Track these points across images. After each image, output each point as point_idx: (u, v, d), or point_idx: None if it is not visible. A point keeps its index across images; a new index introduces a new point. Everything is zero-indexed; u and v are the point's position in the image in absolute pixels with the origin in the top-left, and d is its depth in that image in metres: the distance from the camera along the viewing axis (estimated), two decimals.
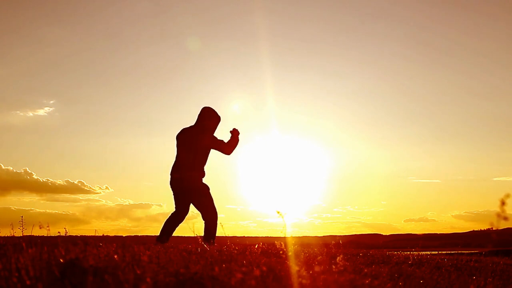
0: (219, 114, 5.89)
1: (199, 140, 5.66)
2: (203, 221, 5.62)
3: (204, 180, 5.75)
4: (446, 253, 8.20)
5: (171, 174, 5.71)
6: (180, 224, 5.64)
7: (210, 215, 5.58)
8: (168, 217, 5.64)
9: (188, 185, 5.60)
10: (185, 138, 5.75)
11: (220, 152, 5.81)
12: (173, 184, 5.65)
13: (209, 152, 5.77)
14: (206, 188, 5.69)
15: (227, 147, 5.79)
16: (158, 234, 5.55)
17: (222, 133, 5.95)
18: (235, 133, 5.87)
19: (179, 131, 5.83)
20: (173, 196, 5.69)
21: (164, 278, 1.94)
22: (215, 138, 5.76)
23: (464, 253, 12.50)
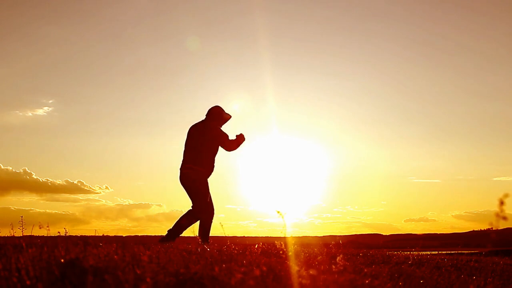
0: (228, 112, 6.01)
1: (207, 132, 5.74)
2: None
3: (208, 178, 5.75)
4: (446, 253, 8.20)
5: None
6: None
7: (203, 213, 5.57)
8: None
9: (186, 180, 5.65)
10: (192, 132, 5.84)
11: (222, 148, 5.86)
12: (180, 179, 5.73)
13: (216, 148, 5.81)
14: (203, 184, 5.67)
15: (231, 144, 5.86)
16: (171, 228, 5.50)
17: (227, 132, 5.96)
18: (240, 138, 5.94)
19: (190, 127, 5.92)
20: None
21: (164, 278, 1.94)
22: (223, 132, 5.84)
23: (464, 253, 12.50)
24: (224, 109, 6.03)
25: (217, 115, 5.92)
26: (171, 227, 5.52)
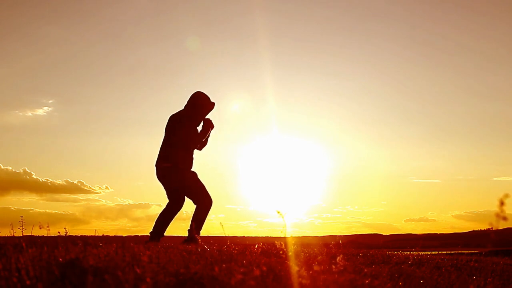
0: (212, 100, 5.53)
1: (177, 128, 5.38)
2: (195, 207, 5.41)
3: (201, 175, 5.52)
4: (446, 253, 8.18)
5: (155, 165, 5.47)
6: (174, 219, 5.41)
7: (208, 204, 5.39)
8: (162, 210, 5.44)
9: (170, 182, 5.38)
10: (168, 125, 5.47)
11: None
12: (157, 175, 5.44)
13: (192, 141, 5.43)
14: (192, 180, 5.43)
15: (197, 144, 5.51)
16: (151, 230, 5.34)
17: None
18: (207, 124, 5.51)
19: (169, 116, 5.52)
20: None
21: (164, 278, 1.94)
22: (191, 131, 5.42)
23: (464, 253, 12.48)
24: (208, 96, 5.51)
25: (197, 103, 5.47)
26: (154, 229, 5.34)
